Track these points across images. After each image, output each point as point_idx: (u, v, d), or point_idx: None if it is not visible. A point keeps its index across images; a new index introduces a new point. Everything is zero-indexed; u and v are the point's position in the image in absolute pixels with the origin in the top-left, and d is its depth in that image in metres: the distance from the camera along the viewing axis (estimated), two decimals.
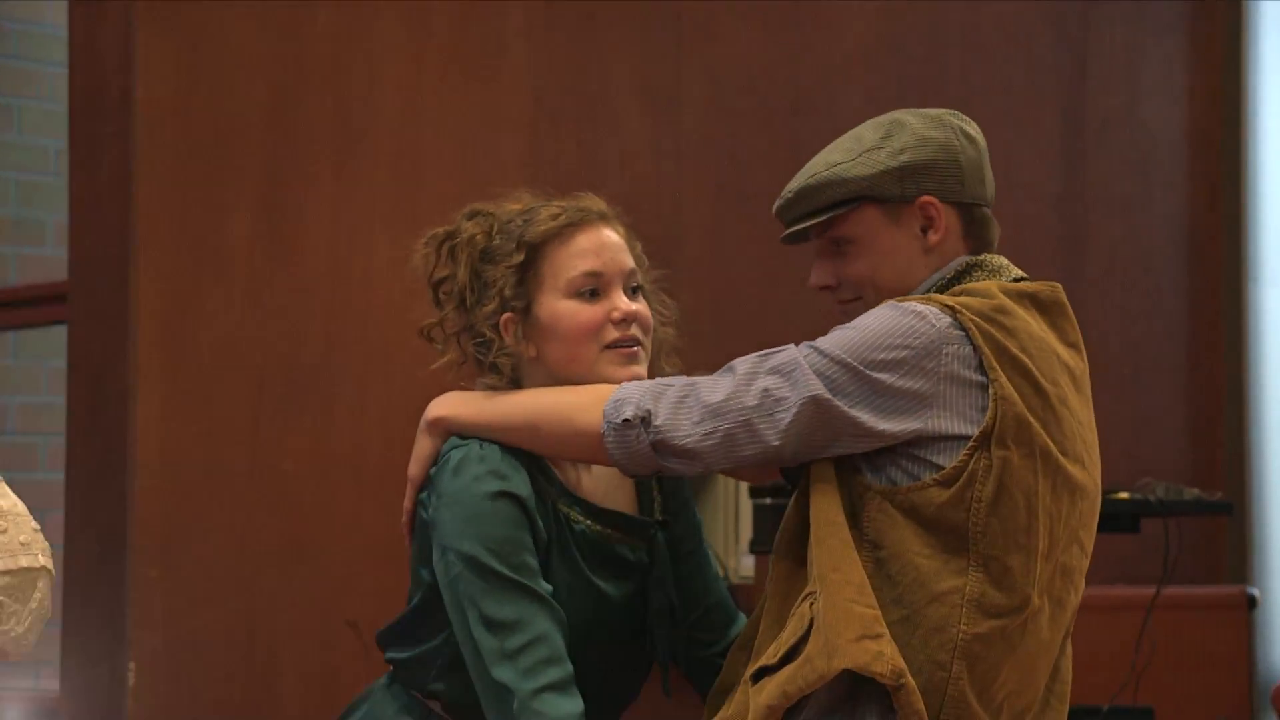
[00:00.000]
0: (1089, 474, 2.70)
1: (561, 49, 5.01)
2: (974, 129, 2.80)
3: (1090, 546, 2.73)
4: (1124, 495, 4.28)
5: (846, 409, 2.58)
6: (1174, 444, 5.86)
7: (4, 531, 2.58)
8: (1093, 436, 2.73)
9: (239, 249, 4.52)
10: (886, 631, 2.53)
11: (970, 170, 2.76)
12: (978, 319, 2.61)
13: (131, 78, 4.43)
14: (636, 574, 2.82)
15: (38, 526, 2.64)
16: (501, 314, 2.78)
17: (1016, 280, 2.74)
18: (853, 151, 2.75)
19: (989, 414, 2.58)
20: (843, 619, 2.52)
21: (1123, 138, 5.86)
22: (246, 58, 4.56)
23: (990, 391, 2.58)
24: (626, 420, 2.64)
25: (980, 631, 2.57)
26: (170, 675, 4.36)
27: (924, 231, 2.74)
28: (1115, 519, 4.22)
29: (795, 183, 2.78)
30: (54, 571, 2.65)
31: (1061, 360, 2.68)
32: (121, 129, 4.43)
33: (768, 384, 2.61)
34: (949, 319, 2.61)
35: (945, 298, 2.65)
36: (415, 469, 2.79)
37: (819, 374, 2.59)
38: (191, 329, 4.46)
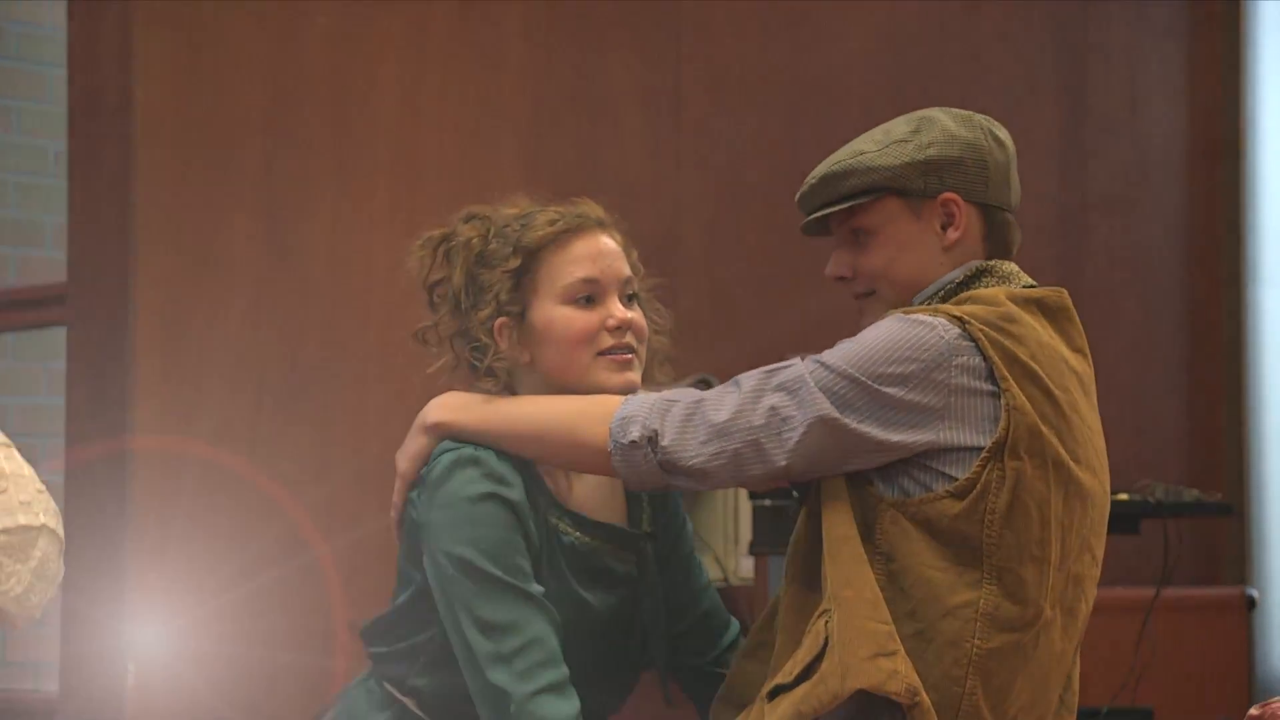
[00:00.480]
0: (1099, 480, 2.68)
1: (561, 49, 5.01)
2: (1004, 134, 2.77)
3: (1101, 554, 2.71)
4: (1124, 496, 4.27)
5: (855, 425, 2.55)
6: (1174, 445, 5.85)
7: (3, 492, 2.51)
8: (1101, 442, 2.71)
9: (239, 249, 4.52)
10: (901, 648, 2.51)
11: (996, 172, 2.73)
12: (986, 328, 2.58)
13: (131, 78, 4.43)
14: (624, 586, 2.80)
15: (43, 489, 2.57)
16: (496, 319, 2.76)
17: (1026, 288, 2.72)
18: (880, 142, 2.72)
19: (1002, 424, 2.55)
20: (856, 637, 2.50)
21: (1123, 138, 5.86)
22: (246, 58, 4.56)
23: (1002, 401, 2.56)
24: (634, 441, 2.62)
25: (994, 646, 2.55)
26: (170, 675, 4.36)
27: (944, 229, 2.71)
28: (1115, 520, 4.15)
29: (819, 170, 2.75)
30: (60, 534, 2.58)
31: (1069, 366, 2.65)
32: (121, 130, 4.43)
33: (774, 402, 2.58)
34: (957, 329, 2.58)
35: (951, 307, 2.62)
36: (407, 465, 2.75)
37: (826, 390, 2.56)
38: (191, 329, 4.45)
